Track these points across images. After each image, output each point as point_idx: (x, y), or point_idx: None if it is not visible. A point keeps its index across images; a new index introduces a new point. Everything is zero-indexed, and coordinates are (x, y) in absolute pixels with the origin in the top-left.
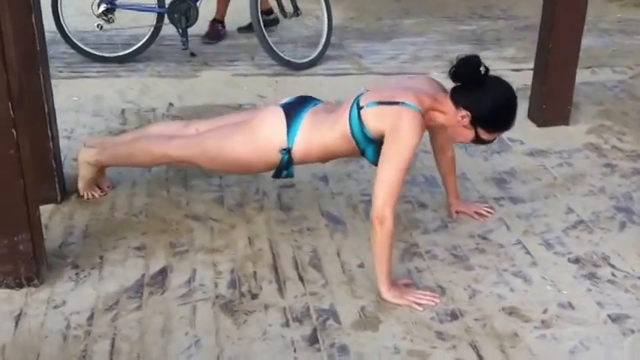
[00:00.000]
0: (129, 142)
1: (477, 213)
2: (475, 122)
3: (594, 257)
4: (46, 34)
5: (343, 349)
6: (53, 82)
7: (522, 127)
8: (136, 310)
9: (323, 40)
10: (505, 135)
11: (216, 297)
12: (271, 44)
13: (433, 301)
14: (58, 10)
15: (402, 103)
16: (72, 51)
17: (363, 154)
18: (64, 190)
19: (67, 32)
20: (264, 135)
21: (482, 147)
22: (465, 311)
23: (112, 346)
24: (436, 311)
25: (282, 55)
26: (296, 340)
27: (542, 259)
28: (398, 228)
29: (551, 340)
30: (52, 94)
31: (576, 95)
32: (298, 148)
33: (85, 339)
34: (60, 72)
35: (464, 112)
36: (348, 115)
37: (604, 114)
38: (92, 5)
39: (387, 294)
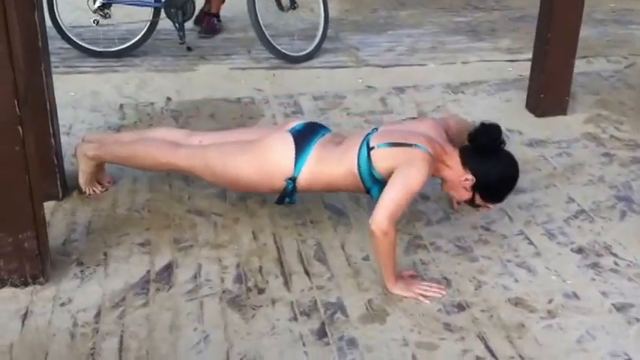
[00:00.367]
0: (131, 144)
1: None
2: (476, 188)
3: (596, 247)
4: None
5: (352, 342)
6: None
7: (521, 117)
8: (143, 306)
9: (320, 32)
10: (504, 125)
11: (223, 292)
12: (269, 37)
13: (440, 293)
14: (53, 6)
15: (415, 145)
16: (67, 46)
17: (367, 192)
18: (65, 186)
19: (63, 27)
20: (272, 161)
21: None
22: (471, 303)
23: (121, 343)
24: (443, 303)
25: (279, 48)
26: (305, 334)
27: (546, 249)
28: (401, 220)
29: (557, 330)
30: (53, 91)
31: (573, 85)
32: (304, 178)
33: (93, 336)
34: (56, 67)
35: (470, 176)
36: (357, 154)
37: (601, 103)
38: (88, 0)
39: (394, 288)
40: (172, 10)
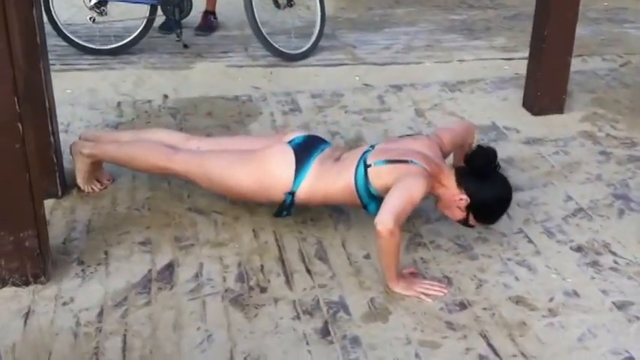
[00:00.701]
0: (128, 146)
1: None
2: (470, 209)
3: (595, 245)
4: None
5: (355, 341)
6: None
7: (517, 115)
8: (146, 305)
9: (316, 30)
10: (501, 124)
11: (225, 291)
12: (266, 35)
13: (441, 292)
14: (49, 3)
15: (411, 161)
16: (64, 44)
17: (365, 207)
18: (64, 184)
19: (59, 25)
20: (271, 174)
21: (480, 135)
22: (472, 301)
23: (124, 342)
24: (445, 301)
25: (276, 46)
26: (308, 333)
27: (545, 247)
28: None
29: (558, 328)
30: (52, 89)
31: (569, 84)
32: (302, 192)
33: (96, 336)
34: (52, 65)
35: (464, 197)
36: (354, 171)
37: (597, 102)
38: None
39: (396, 287)
40: (169, 8)
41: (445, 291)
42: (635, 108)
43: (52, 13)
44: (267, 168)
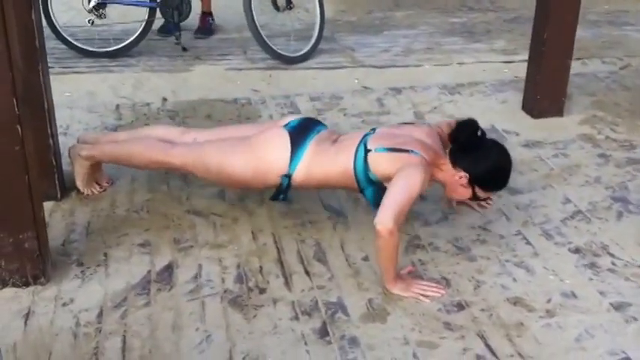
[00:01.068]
0: (125, 143)
1: (476, 204)
2: (473, 182)
3: (594, 247)
4: None
5: (354, 341)
6: None
7: (517, 118)
8: (145, 306)
9: (315, 33)
10: (500, 127)
11: (224, 292)
12: (265, 38)
13: (439, 293)
14: (48, 6)
15: (412, 151)
16: (62, 46)
17: (361, 192)
18: (63, 187)
19: (58, 27)
20: (266, 157)
21: None
22: (470, 302)
23: (124, 342)
24: (443, 302)
25: (275, 48)
26: (306, 333)
27: (543, 249)
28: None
29: (556, 329)
30: (51, 91)
31: (569, 87)
32: (299, 175)
33: (95, 336)
34: (51, 67)
35: (462, 173)
36: (353, 154)
37: (596, 105)
38: (83, 0)
39: (394, 288)
40: (168, 10)
41: (443, 292)
42: (635, 111)
43: (51, 15)
44: (262, 152)
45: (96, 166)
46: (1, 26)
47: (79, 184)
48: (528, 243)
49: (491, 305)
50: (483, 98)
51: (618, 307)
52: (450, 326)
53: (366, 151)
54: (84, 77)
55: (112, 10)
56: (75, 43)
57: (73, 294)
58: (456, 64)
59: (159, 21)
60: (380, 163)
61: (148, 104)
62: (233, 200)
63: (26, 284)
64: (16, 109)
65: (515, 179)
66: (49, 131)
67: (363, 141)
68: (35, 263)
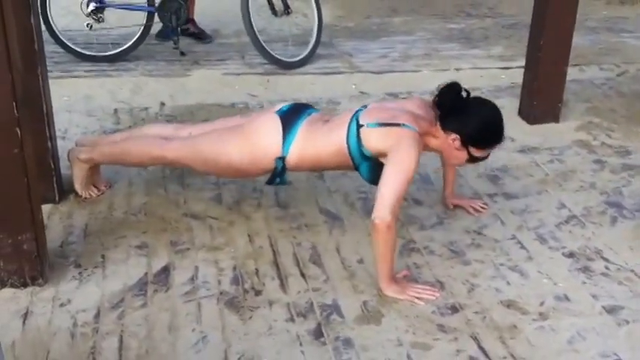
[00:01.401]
0: (122, 142)
1: (472, 207)
2: (465, 143)
3: (588, 251)
4: None
5: (348, 343)
6: None
7: (513, 124)
8: (142, 307)
9: (313, 38)
10: None
11: (221, 294)
12: (262, 43)
13: (433, 296)
14: (46, 10)
15: (403, 125)
16: (60, 50)
17: (356, 168)
18: (61, 189)
19: (56, 31)
20: (259, 142)
21: None
22: (464, 305)
23: (121, 342)
24: (437, 305)
25: (273, 53)
26: (301, 334)
27: (537, 253)
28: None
29: (549, 331)
30: (49, 95)
31: (565, 93)
32: (293, 157)
33: (93, 336)
34: (49, 72)
35: (453, 136)
36: (346, 131)
37: (593, 111)
38: (81, 4)
39: (388, 290)
40: (166, 15)
41: (437, 295)
42: (631, 117)
43: (50, 20)
44: (255, 137)
45: (94, 170)
46: (0, 29)
47: (78, 187)
48: (523, 247)
49: (485, 308)
50: None
51: (611, 310)
52: (444, 328)
53: (358, 126)
54: (82, 81)
55: (111, 15)
56: (73, 47)
57: (71, 295)
58: (453, 70)
59: (157, 26)
60: (372, 139)
61: (146, 109)
62: (230, 204)
63: (24, 285)
64: (16, 112)
65: (510, 184)
66: (47, 134)
67: (355, 117)
68: (33, 264)
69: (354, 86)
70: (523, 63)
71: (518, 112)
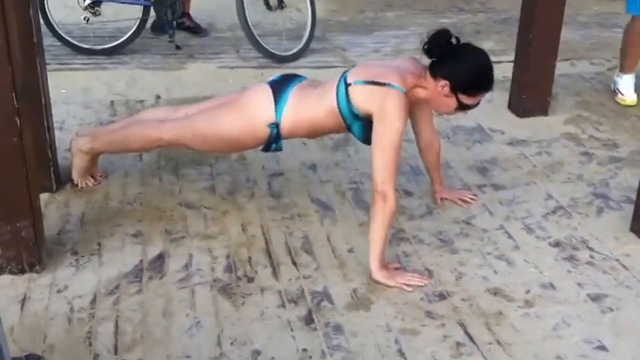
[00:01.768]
0: (123, 129)
1: (460, 199)
2: (455, 89)
3: (573, 241)
4: None
5: (338, 328)
6: None
7: (503, 117)
8: (137, 293)
9: (307, 32)
10: (486, 125)
11: (214, 281)
12: (257, 37)
13: (422, 283)
14: (44, 3)
15: (389, 84)
16: (58, 43)
17: (349, 129)
18: (59, 179)
19: (54, 25)
20: (252, 111)
21: (465, 136)
22: (452, 292)
23: (116, 327)
24: (425, 292)
25: (267, 47)
26: (292, 320)
27: (524, 242)
28: None
29: (534, 318)
30: (48, 86)
31: (555, 87)
32: (286, 122)
33: (89, 321)
34: (47, 64)
35: (443, 82)
36: (335, 91)
37: (582, 105)
38: None
39: (378, 274)
40: (161, 9)
41: (426, 282)
42: (619, 110)
43: (47, 13)
44: (247, 108)
45: (94, 160)
46: (1, 21)
47: (75, 176)
48: (510, 237)
49: (472, 295)
50: None
51: (595, 298)
52: (432, 315)
53: (346, 85)
54: (79, 74)
55: (107, 9)
56: (70, 40)
57: (68, 281)
58: None
59: (153, 20)
60: (359, 97)
61: (141, 101)
62: (223, 194)
63: (22, 271)
64: (15, 103)
65: (499, 176)
66: (45, 125)
67: (343, 77)
68: (31, 251)
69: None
70: (513, 57)
71: (507, 105)
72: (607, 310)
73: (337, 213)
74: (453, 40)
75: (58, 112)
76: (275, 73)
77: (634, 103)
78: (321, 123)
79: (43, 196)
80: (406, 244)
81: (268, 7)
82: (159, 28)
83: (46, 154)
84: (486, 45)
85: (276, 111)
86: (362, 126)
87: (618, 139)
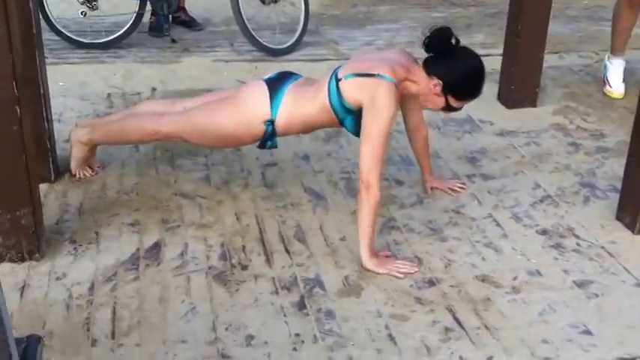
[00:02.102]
0: (120, 120)
1: (450, 189)
2: (446, 90)
3: (560, 229)
4: None
5: (329, 314)
6: None
7: (492, 108)
8: (134, 280)
9: (300, 26)
10: (476, 116)
11: (209, 268)
12: (251, 30)
13: (412, 270)
14: None
15: (379, 75)
16: (56, 38)
17: (342, 124)
18: (57, 169)
19: (51, 19)
20: (248, 108)
21: (455, 127)
22: (441, 279)
23: (114, 313)
24: (414, 279)
25: (261, 41)
26: (285, 306)
27: (512, 231)
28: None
29: (521, 304)
30: (46, 77)
31: (543, 78)
32: (281, 120)
33: (87, 307)
34: (45, 58)
35: (436, 81)
36: (327, 87)
37: (569, 96)
38: None
39: (369, 262)
40: (157, 2)
41: (416, 269)
42: (606, 101)
43: (45, 7)
44: (243, 104)
45: (92, 151)
46: (2, 11)
47: (74, 166)
48: (498, 225)
49: (461, 282)
50: None
51: (581, 284)
52: (421, 301)
53: (337, 80)
54: (76, 68)
55: (104, 3)
56: (68, 34)
57: (66, 269)
58: None
59: (150, 21)
60: (350, 90)
61: (138, 93)
62: (218, 184)
63: (22, 260)
64: (15, 91)
65: (488, 166)
66: (44, 116)
67: (334, 73)
68: (31, 239)
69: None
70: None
71: (497, 97)
72: (592, 296)
73: (329, 202)
74: (453, 40)
75: (56, 105)
76: (269, 67)
77: (621, 97)
78: (314, 119)
79: (42, 187)
80: (397, 232)
81: (262, 1)
82: (157, 28)
83: (45, 144)
84: (477, 38)
85: (271, 108)
86: (354, 120)
87: (605, 129)
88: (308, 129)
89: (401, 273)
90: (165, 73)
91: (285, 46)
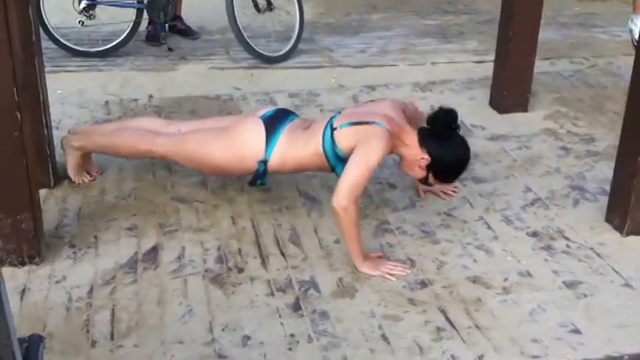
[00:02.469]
0: (113, 134)
1: (442, 192)
2: (431, 167)
3: (550, 231)
4: None
5: (324, 315)
6: None
7: (484, 113)
8: (132, 283)
9: (295, 34)
10: (468, 121)
11: (206, 271)
12: (246, 38)
13: (405, 272)
14: (40, 7)
15: (374, 122)
16: (54, 46)
17: (333, 170)
18: (56, 175)
19: (50, 28)
20: (244, 145)
21: None
22: (433, 280)
23: (113, 315)
24: (407, 281)
25: (256, 48)
26: (281, 307)
27: (503, 233)
28: (370, 207)
29: (511, 304)
30: (46, 83)
31: (535, 84)
32: (274, 161)
33: (86, 310)
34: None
35: (426, 156)
36: (321, 135)
37: (560, 101)
38: (73, 2)
39: (362, 267)
40: (154, 11)
41: (408, 271)
42: (597, 106)
43: (43, 16)
44: (239, 140)
45: (87, 157)
46: (2, 18)
47: (71, 172)
48: (489, 228)
49: (452, 283)
50: (453, 95)
51: (570, 285)
52: (414, 302)
53: (332, 129)
54: (74, 75)
55: (102, 12)
56: (66, 43)
57: (66, 272)
58: (429, 64)
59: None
60: (344, 138)
61: (135, 100)
62: (214, 189)
63: (22, 263)
64: (16, 97)
65: (480, 169)
66: (44, 122)
67: (330, 122)
68: (31, 244)
69: (333, 80)
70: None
71: (489, 102)
72: (581, 296)
73: (324, 206)
74: (454, 125)
75: (54, 112)
76: (264, 74)
77: None
78: (306, 163)
79: (42, 192)
80: (390, 235)
81: (257, 9)
82: (154, 37)
83: (45, 151)
84: (470, 45)
85: (266, 149)
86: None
87: (595, 133)
88: (299, 170)
89: (394, 275)
90: (162, 80)
91: (280, 53)
